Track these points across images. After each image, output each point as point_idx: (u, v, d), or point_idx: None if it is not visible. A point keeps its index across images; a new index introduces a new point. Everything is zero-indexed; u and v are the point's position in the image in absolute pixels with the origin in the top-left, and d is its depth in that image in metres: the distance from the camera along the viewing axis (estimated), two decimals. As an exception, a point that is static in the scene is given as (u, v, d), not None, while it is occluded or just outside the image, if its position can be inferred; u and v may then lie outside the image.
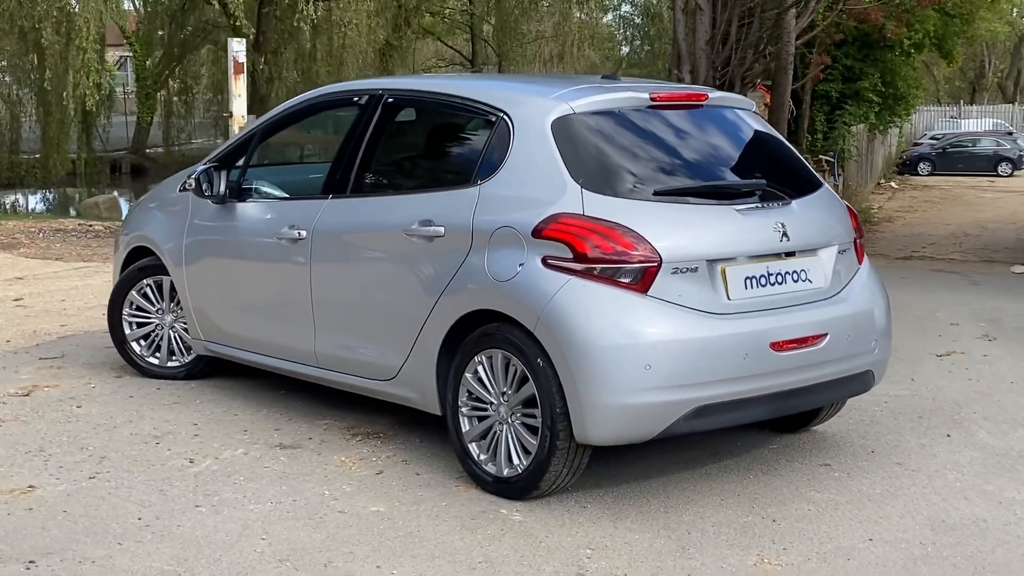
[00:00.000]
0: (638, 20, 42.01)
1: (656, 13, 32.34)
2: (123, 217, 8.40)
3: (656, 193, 5.43)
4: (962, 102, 58.20)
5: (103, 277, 12.16)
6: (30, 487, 5.59)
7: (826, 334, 5.59)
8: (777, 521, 5.32)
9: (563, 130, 5.51)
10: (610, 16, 40.83)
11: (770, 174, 5.84)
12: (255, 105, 25.90)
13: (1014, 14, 52.03)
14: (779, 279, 5.54)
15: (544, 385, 5.23)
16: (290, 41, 28.75)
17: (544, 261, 5.26)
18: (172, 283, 7.45)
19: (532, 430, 5.37)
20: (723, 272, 5.36)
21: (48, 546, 4.91)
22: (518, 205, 5.43)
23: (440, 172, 6.17)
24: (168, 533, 5.06)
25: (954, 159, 42.46)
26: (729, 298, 5.36)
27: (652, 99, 5.78)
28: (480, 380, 5.56)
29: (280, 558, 4.82)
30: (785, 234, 5.57)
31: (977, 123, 51.18)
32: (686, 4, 22.48)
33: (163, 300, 7.56)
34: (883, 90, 34.50)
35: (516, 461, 5.45)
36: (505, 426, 5.49)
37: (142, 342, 7.68)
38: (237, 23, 26.12)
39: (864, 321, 5.83)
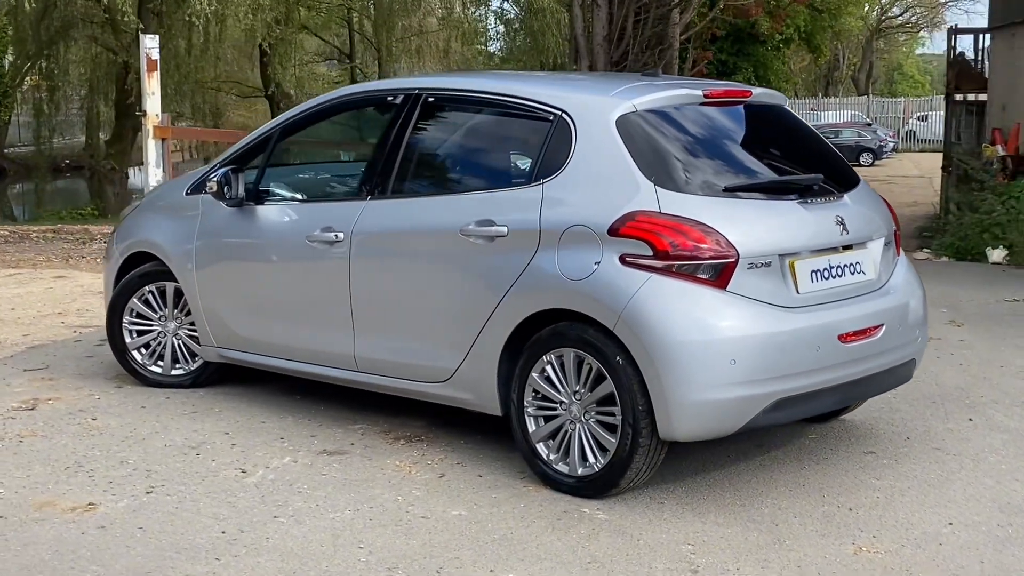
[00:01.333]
0: (510, 15, 42.15)
1: (540, 8, 32.49)
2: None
3: (726, 189, 5.47)
4: (820, 95, 59.77)
5: (42, 284, 11.82)
6: (90, 504, 5.41)
7: (882, 325, 5.71)
8: (853, 510, 5.41)
9: (628, 128, 5.52)
10: (482, 10, 40.87)
11: (818, 169, 5.93)
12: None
13: (866, 9, 53.50)
14: (839, 272, 5.64)
15: (624, 383, 5.24)
16: (171, 38, 28.08)
17: (622, 259, 5.27)
18: (176, 289, 7.25)
19: (609, 428, 5.37)
20: (792, 266, 5.44)
21: (142, 566, 4.77)
22: (588, 204, 5.43)
23: (494, 172, 6.11)
24: (261, 546, 4.95)
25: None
26: (799, 292, 5.44)
27: (705, 96, 5.82)
28: (548, 379, 5.54)
29: (388, 566, 4.76)
30: (845, 227, 5.67)
31: (835, 115, 52.59)
32: (583, 0, 22.62)
33: (166, 307, 7.36)
34: (756, 84, 35.28)
35: (592, 460, 5.45)
36: (578, 425, 5.48)
37: (143, 350, 7.46)
38: (125, 17, 25.40)
39: (909, 311, 5.97)
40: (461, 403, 5.99)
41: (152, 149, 15.63)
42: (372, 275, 6.18)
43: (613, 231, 5.31)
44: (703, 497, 5.55)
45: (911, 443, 6.35)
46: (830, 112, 52.60)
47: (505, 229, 5.63)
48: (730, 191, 5.49)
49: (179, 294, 7.31)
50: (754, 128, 6.01)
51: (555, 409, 5.57)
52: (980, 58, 28.33)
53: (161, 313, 7.38)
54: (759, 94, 6.14)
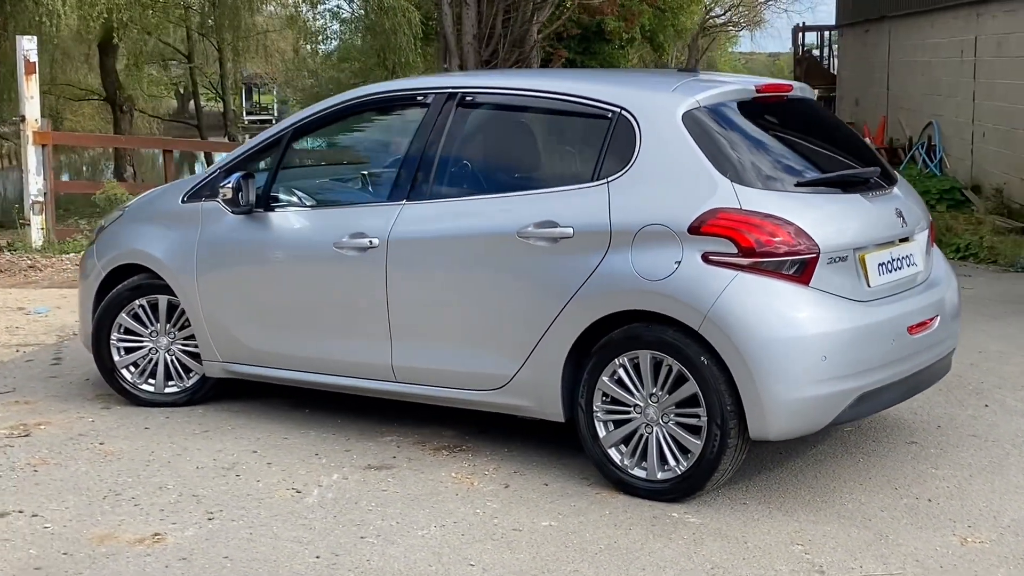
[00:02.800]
0: (347, 15, 41.60)
1: (390, 7, 32.06)
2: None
3: (798, 184, 5.44)
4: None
5: (-50, 301, 11.11)
6: (156, 535, 5.11)
7: (937, 315, 5.77)
8: (932, 501, 5.46)
9: (694, 124, 5.45)
10: (320, 9, 40.19)
11: (858, 160, 5.95)
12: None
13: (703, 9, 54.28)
14: (899, 264, 5.67)
15: (711, 383, 5.17)
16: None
17: (705, 258, 5.19)
18: (170, 302, 6.90)
19: (690, 429, 5.29)
20: (862, 260, 5.45)
21: (254, 597, 4.47)
22: (663, 202, 5.34)
23: (549, 171, 5.95)
24: (366, 569, 4.75)
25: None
26: (869, 285, 5.46)
27: (757, 91, 5.79)
28: (621, 382, 5.44)
29: (513, 584, 4.56)
30: (904, 220, 5.71)
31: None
32: (452, -1, 22.44)
33: (158, 321, 6.97)
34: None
35: (673, 463, 5.35)
36: (655, 428, 5.38)
37: (132, 368, 7.07)
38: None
39: (952, 301, 6.04)
40: (516, 410, 5.82)
41: (32, 156, 15.02)
42: (412, 282, 5.95)
43: (694, 229, 5.21)
44: (782, 495, 5.51)
45: (945, 431, 6.43)
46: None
47: (570, 230, 5.49)
48: (802, 186, 5.45)
49: (172, 308, 6.94)
50: (799, 122, 6.01)
51: (628, 413, 5.46)
52: (825, 54, 29.17)
53: (152, 328, 7.00)
54: (797, 88, 6.13)
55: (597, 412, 5.53)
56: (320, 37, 41.54)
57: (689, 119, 5.47)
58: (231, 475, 5.83)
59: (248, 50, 35.57)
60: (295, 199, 6.51)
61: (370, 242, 6.04)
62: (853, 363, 5.25)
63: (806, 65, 28.15)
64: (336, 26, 40.64)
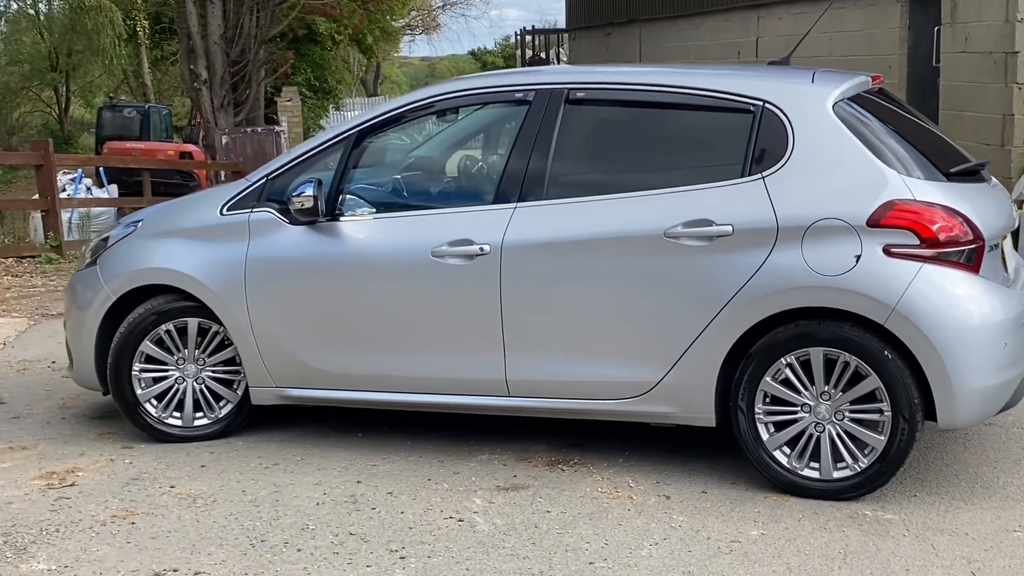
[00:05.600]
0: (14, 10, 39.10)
1: (92, 6, 30.33)
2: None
3: (948, 174, 5.49)
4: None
5: None
6: (363, 581, 4.58)
7: None
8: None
9: (844, 115, 5.42)
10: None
11: (942, 149, 6.05)
12: None
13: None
14: (1010, 251, 5.81)
15: (897, 377, 5.15)
16: None
17: (887, 250, 5.15)
18: (201, 326, 6.26)
19: (868, 425, 5.24)
20: (1001, 248, 5.55)
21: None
22: (832, 195, 5.26)
23: (688, 169, 5.68)
24: (639, 597, 4.40)
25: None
26: (1007, 271, 5.57)
27: (873, 81, 5.82)
28: (787, 382, 5.33)
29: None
30: (1011, 210, 5.86)
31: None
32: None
33: (186, 347, 6.31)
34: (315, 84, 35.19)
35: (849, 460, 5.29)
36: (828, 426, 5.30)
37: (154, 402, 6.37)
38: None
39: None
40: (659, 417, 5.61)
41: None
42: (534, 289, 5.62)
43: (873, 222, 5.16)
44: (942, 485, 5.55)
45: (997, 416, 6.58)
46: (353, 112, 52.99)
47: (729, 228, 5.32)
48: (951, 176, 5.49)
49: (203, 332, 6.28)
50: (902, 112, 6.04)
51: (794, 412, 5.33)
52: (551, 56, 29.75)
53: (179, 355, 6.30)
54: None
55: (759, 414, 5.37)
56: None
57: (839, 111, 5.41)
58: (365, 508, 5.34)
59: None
60: (367, 206, 6.01)
61: (480, 249, 5.65)
62: (1020, 348, 5.33)
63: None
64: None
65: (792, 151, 5.35)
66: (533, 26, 32.11)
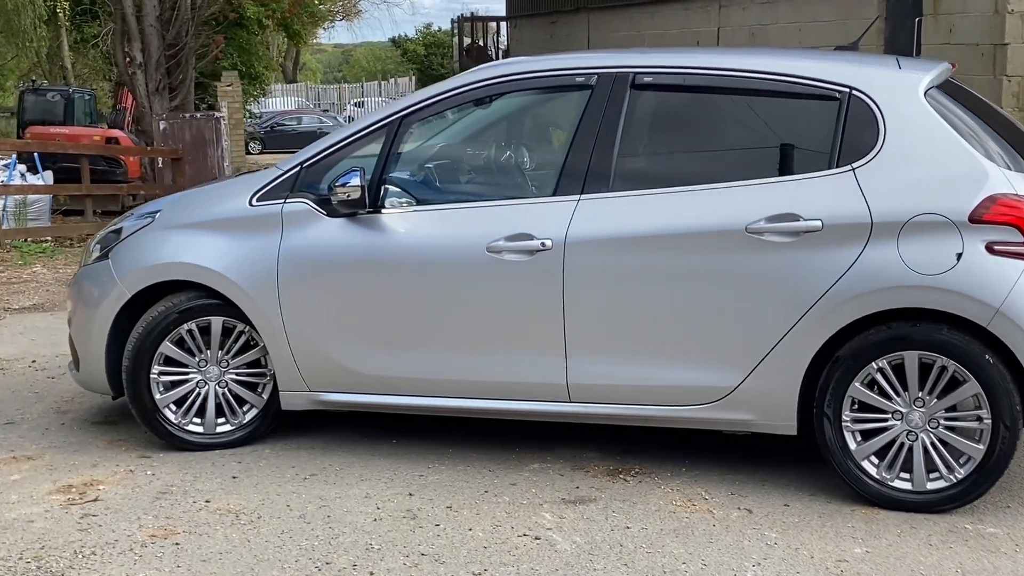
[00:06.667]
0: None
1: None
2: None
3: None
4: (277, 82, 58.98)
5: None
6: (459, 609, 4.17)
7: None
8: None
9: (936, 104, 5.11)
10: None
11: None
12: None
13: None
14: None
15: (999, 382, 4.86)
16: None
17: (989, 248, 4.85)
18: (225, 325, 5.79)
19: (965, 433, 4.94)
20: None
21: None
22: (929, 188, 4.95)
23: (769, 159, 5.32)
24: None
25: (283, 138, 43.21)
26: None
27: (952, 67, 5.52)
28: (878, 388, 5.01)
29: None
30: None
31: (280, 102, 52.34)
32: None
33: (208, 348, 5.83)
34: (241, 69, 34.36)
35: (944, 470, 4.99)
36: (921, 435, 5.00)
37: (173, 407, 5.89)
38: None
39: None
40: (735, 425, 5.26)
41: None
42: (600, 288, 5.24)
43: (975, 218, 4.86)
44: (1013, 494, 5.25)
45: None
46: (276, 99, 52.16)
47: (818, 223, 4.98)
48: None
49: (227, 332, 5.81)
50: (979, 100, 5.75)
51: (884, 420, 5.02)
52: (488, 44, 29.35)
53: (201, 356, 5.82)
54: None
55: (846, 421, 5.05)
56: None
57: (930, 99, 5.11)
58: (427, 524, 4.93)
59: None
60: (412, 197, 5.58)
61: (542, 244, 5.25)
62: None
63: (476, 55, 28.16)
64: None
65: (884, 141, 5.02)
66: (472, 13, 31.59)
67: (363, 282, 5.52)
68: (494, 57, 28.59)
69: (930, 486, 5.00)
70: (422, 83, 65.80)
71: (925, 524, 4.90)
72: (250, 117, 45.85)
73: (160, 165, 19.02)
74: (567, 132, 5.47)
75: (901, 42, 13.16)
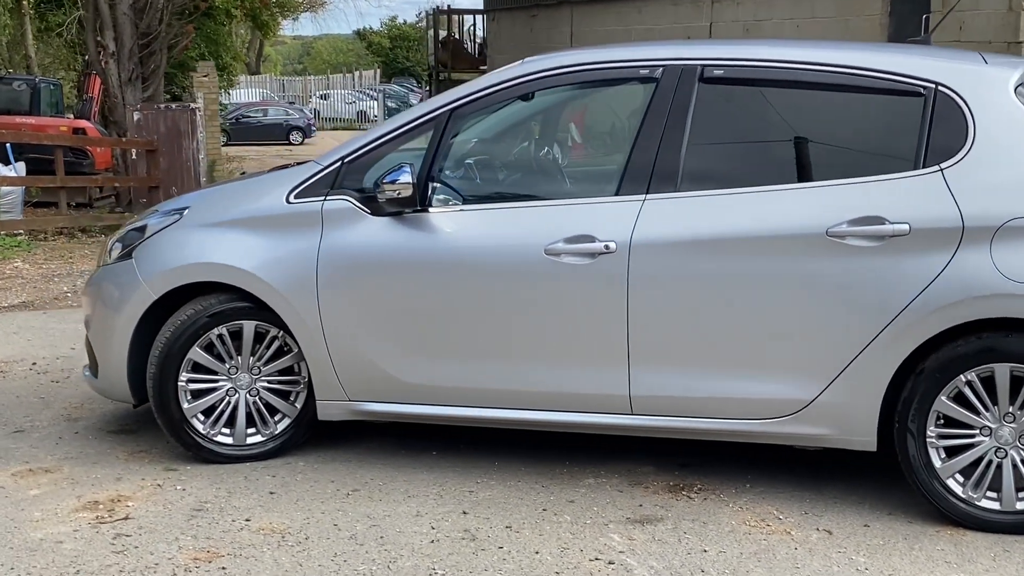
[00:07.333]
0: None
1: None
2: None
3: None
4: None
5: None
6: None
7: None
8: None
9: None
10: None
11: None
12: None
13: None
14: None
15: None
16: None
17: None
18: (257, 330, 5.44)
19: (1066, 450, 4.67)
20: None
21: None
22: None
23: (849, 158, 5.02)
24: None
25: (249, 130, 42.66)
26: None
27: None
28: (966, 402, 4.72)
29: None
30: None
31: (245, 93, 51.71)
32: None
33: (239, 354, 5.48)
34: (209, 60, 33.78)
35: (1040, 489, 4.71)
36: (1012, 451, 4.73)
37: (201, 416, 5.53)
38: None
39: None
40: (810, 440, 4.97)
41: None
42: (667, 293, 4.93)
43: None
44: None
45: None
46: (240, 91, 51.46)
47: (906, 227, 4.69)
48: None
49: (259, 337, 5.45)
50: None
51: (972, 436, 4.74)
52: (463, 39, 28.99)
53: (231, 363, 5.46)
54: None
55: (930, 437, 4.76)
56: None
57: (1020, 96, 4.80)
58: (490, 547, 4.61)
59: None
60: (461, 196, 5.25)
61: (605, 247, 4.93)
62: None
63: (452, 48, 27.78)
64: None
65: (973, 140, 4.74)
66: (449, 5, 31.19)
67: (410, 285, 5.18)
68: (470, 51, 28.24)
69: (1019, 506, 4.73)
70: (387, 76, 65.35)
71: (1018, 547, 4.63)
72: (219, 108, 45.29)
73: (134, 157, 18.57)
74: (629, 128, 5.15)
75: (905, 40, 12.89)
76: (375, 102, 53.94)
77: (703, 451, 5.55)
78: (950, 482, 4.79)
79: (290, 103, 49.11)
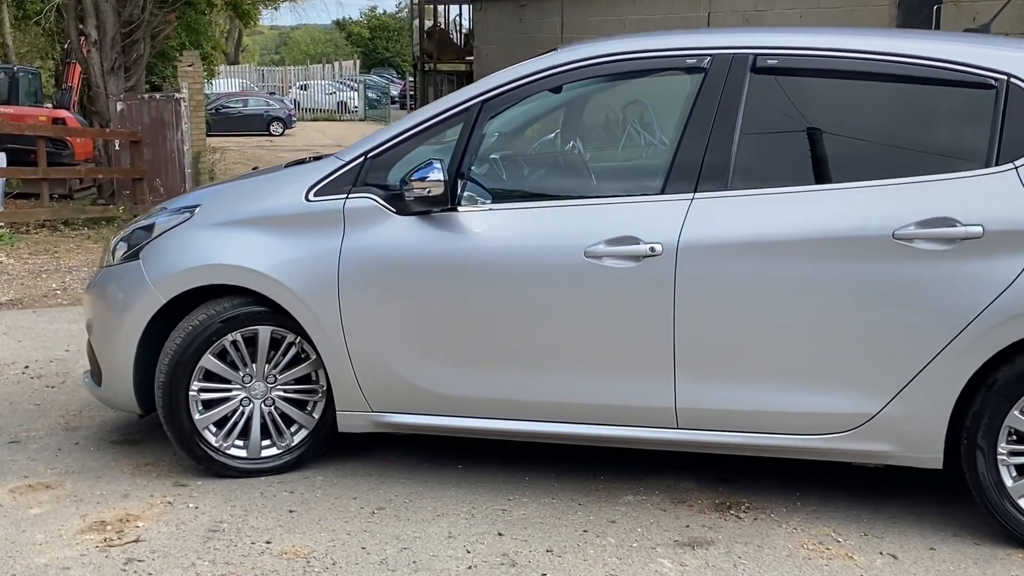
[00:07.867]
0: None
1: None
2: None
3: None
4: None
5: None
6: None
7: None
8: None
9: None
10: None
11: None
12: None
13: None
14: None
15: None
16: None
17: None
18: (273, 336, 5.07)
19: None
20: None
21: None
22: None
23: (915, 155, 4.70)
24: None
25: (229, 121, 42.11)
26: None
27: None
28: (1038, 417, 4.41)
29: None
30: None
31: (225, 83, 51.15)
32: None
33: (254, 361, 5.12)
34: (190, 49, 33.30)
35: (1117, 511, 4.40)
36: (1093, 470, 4.40)
37: (213, 428, 5.16)
38: None
39: None
40: (871, 457, 4.64)
41: None
42: (718, 299, 4.59)
43: None
44: None
45: None
46: (219, 81, 50.80)
47: (979, 229, 4.36)
48: None
49: (275, 343, 5.09)
50: None
51: (1047, 453, 4.42)
52: (449, 29, 28.61)
53: (245, 371, 5.10)
54: None
55: (1001, 455, 4.44)
56: None
57: None
58: (533, 574, 4.24)
59: None
60: (493, 194, 4.90)
61: (651, 249, 4.58)
62: None
63: (438, 38, 27.39)
64: None
65: (1050, 136, 4.40)
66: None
67: (440, 289, 4.83)
68: (456, 41, 27.87)
69: (1075, 528, 4.41)
70: (367, 67, 64.84)
71: (1099, 573, 4.29)
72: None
73: (117, 148, 18.15)
74: (675, 122, 4.80)
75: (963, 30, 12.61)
76: (355, 93, 53.47)
77: (744, 466, 5.21)
78: (1022, 502, 4.46)
79: (270, 93, 48.55)
